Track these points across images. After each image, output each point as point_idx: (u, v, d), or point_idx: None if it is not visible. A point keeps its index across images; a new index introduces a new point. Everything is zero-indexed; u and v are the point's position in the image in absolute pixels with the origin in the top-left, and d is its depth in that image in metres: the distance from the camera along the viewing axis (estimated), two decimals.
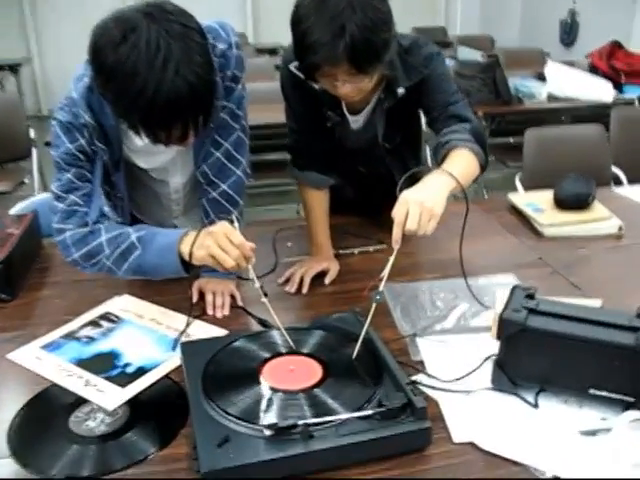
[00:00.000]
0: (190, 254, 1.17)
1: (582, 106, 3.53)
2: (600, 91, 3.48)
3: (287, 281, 1.50)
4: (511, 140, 3.80)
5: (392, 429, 0.96)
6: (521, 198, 1.89)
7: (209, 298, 1.40)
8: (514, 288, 1.14)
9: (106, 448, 1.01)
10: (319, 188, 1.60)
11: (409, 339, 1.25)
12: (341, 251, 1.64)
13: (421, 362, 1.19)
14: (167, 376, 1.17)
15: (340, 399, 1.02)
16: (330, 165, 1.60)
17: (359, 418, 0.97)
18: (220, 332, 1.30)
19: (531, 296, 1.12)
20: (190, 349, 1.18)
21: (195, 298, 1.41)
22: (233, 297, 1.42)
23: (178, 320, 1.33)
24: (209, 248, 1.14)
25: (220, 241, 1.13)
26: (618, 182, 2.45)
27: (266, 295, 1.15)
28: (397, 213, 1.16)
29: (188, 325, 1.29)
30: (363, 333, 1.11)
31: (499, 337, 1.07)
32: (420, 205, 1.15)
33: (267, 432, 0.94)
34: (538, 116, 3.64)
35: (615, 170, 2.39)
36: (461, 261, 1.36)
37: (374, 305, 1.12)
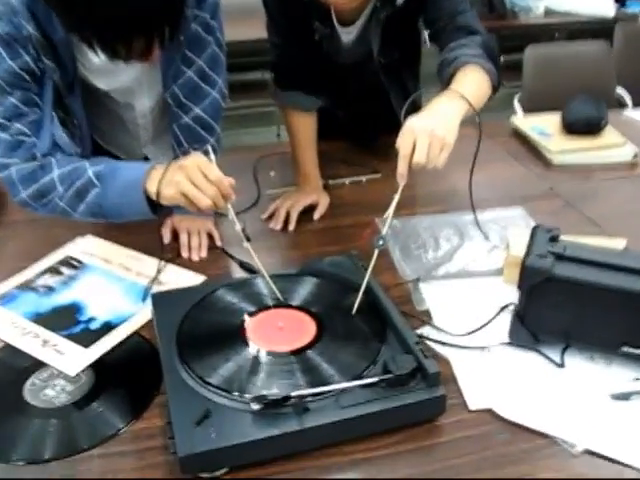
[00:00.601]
0: (158, 192, 0.97)
1: (582, 21, 3.28)
2: (601, 5, 3.23)
3: (271, 217, 1.33)
4: (505, 58, 3.53)
5: (401, 399, 0.81)
6: (525, 122, 1.70)
7: (183, 238, 1.22)
8: (536, 229, 0.98)
9: (69, 423, 0.85)
10: (305, 111, 1.40)
11: (412, 285, 1.10)
12: (331, 181, 1.46)
13: (427, 312, 1.04)
14: (137, 332, 1.01)
15: (338, 363, 0.87)
16: (318, 85, 1.39)
17: (362, 387, 0.83)
18: (197, 278, 1.13)
19: (555, 238, 0.96)
20: (162, 301, 1.01)
21: (167, 239, 1.24)
22: (211, 237, 1.25)
23: (150, 265, 1.15)
24: (180, 185, 0.94)
25: (193, 177, 0.94)
26: (622, 104, 2.27)
27: (249, 240, 0.97)
28: (402, 144, 0.97)
29: (159, 271, 1.12)
30: (364, 285, 0.95)
31: (520, 286, 0.92)
32: (429, 134, 0.96)
33: (254, 406, 0.79)
34: (530, 32, 3.40)
35: (619, 91, 2.20)
36: (471, 196, 1.19)
37: (376, 252, 0.95)
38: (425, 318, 1.02)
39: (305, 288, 1.02)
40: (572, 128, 1.58)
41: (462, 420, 0.85)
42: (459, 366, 0.92)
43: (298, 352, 0.89)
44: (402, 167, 0.97)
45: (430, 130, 0.96)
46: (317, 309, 0.97)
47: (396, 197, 0.97)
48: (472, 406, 0.86)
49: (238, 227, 0.96)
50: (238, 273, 1.16)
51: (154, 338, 0.97)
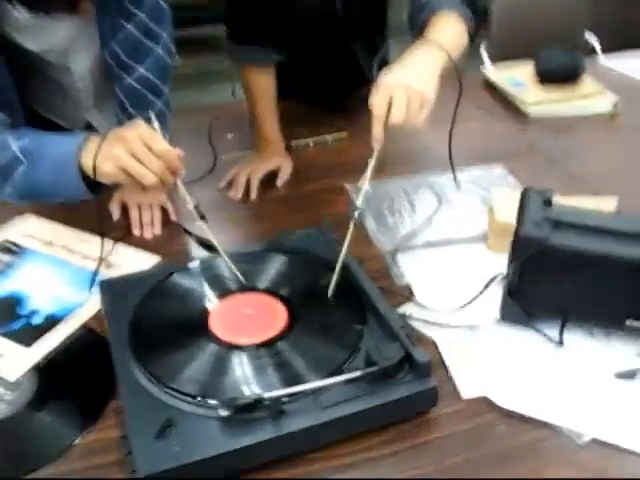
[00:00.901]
0: (94, 168, 0.82)
1: None
2: None
3: (230, 185, 1.21)
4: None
5: (388, 394, 0.71)
6: (497, 72, 1.59)
7: (134, 214, 1.09)
8: (526, 192, 0.88)
9: (9, 439, 0.73)
10: (263, 67, 1.25)
11: (389, 257, 0.99)
12: (293, 143, 1.33)
13: (407, 287, 0.94)
14: (86, 325, 0.89)
15: (315, 356, 0.76)
16: (274, 37, 1.25)
17: (343, 382, 0.72)
18: (151, 259, 1.00)
19: (548, 202, 0.86)
20: (111, 289, 0.88)
21: (116, 215, 1.10)
22: (165, 210, 1.12)
23: (97, 246, 1.02)
24: (119, 159, 0.80)
25: (135, 149, 0.80)
26: (591, 51, 2.16)
27: (203, 218, 0.85)
28: (377, 102, 0.85)
29: (102, 259, 0.98)
30: (340, 264, 0.84)
31: (512, 259, 0.83)
32: (407, 89, 0.84)
33: (223, 412, 0.68)
34: None
35: (588, 37, 2.10)
36: (450, 155, 1.08)
37: (352, 226, 0.84)
38: (406, 294, 0.92)
39: (272, 268, 0.91)
40: (547, 77, 1.47)
41: (455, 412, 0.76)
42: (447, 348, 0.83)
43: (268, 344, 0.78)
44: (377, 129, 0.85)
45: (407, 85, 0.85)
46: (287, 292, 0.86)
47: (372, 163, 0.85)
48: (465, 394, 0.77)
49: (190, 205, 0.83)
50: (197, 251, 1.04)
51: (106, 331, 0.85)
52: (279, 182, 1.20)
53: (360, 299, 0.83)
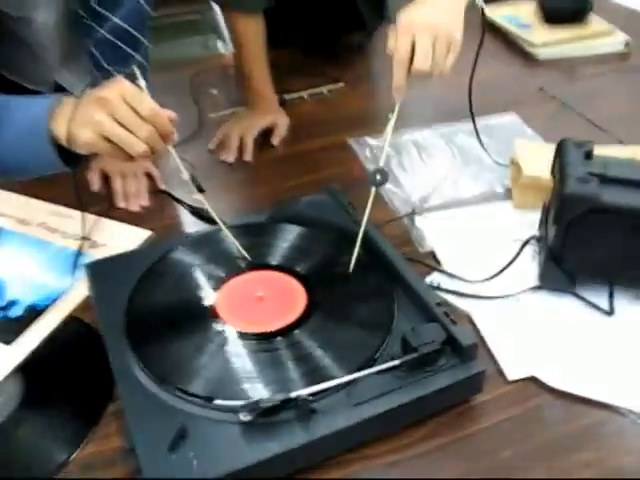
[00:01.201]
0: (69, 136, 0.68)
1: None
2: None
3: (220, 146, 1.08)
4: None
5: (430, 384, 0.61)
6: (497, 11, 1.46)
7: (117, 184, 0.96)
8: (563, 144, 0.77)
9: None
10: (252, 13, 1.11)
11: (407, 220, 0.89)
12: (286, 96, 1.20)
13: (431, 254, 0.84)
14: (73, 316, 0.77)
15: (342, 343, 0.66)
16: None
17: (378, 373, 0.63)
18: (141, 234, 0.88)
19: (589, 154, 0.76)
20: (99, 272, 0.77)
21: (96, 186, 0.97)
22: (151, 177, 1.00)
23: (78, 222, 0.90)
24: (100, 126, 0.65)
25: (118, 112, 0.65)
26: None
27: (201, 190, 0.73)
28: (398, 45, 0.73)
29: (86, 238, 0.85)
30: (361, 233, 0.73)
31: (557, 221, 0.72)
32: (432, 30, 0.72)
33: (244, 417, 0.58)
34: None
35: None
36: (470, 102, 0.96)
37: (373, 191, 0.73)
38: (431, 262, 0.82)
39: (282, 241, 0.79)
40: (553, 17, 1.35)
41: (501, 396, 0.66)
42: (485, 323, 0.73)
43: (287, 331, 0.67)
44: (399, 76, 0.73)
45: (432, 25, 0.72)
46: (303, 269, 0.75)
47: (393, 118, 0.73)
48: (511, 376, 0.68)
49: (186, 175, 0.71)
50: (192, 223, 0.93)
51: (97, 322, 0.74)
52: (275, 140, 1.08)
53: (386, 272, 0.73)
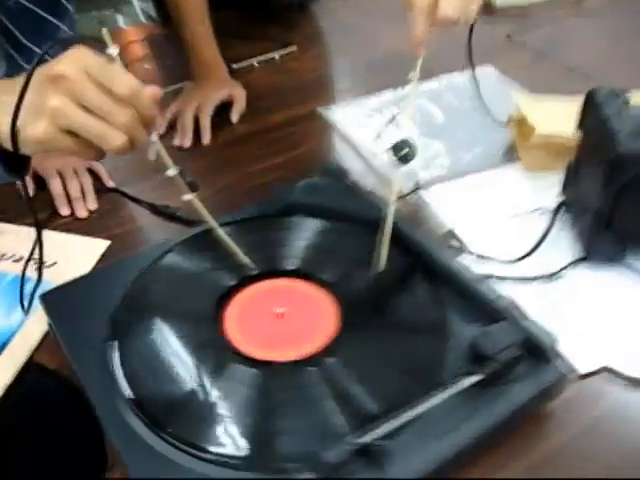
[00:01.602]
0: (15, 134, 0.48)
1: None
2: None
3: (171, 129, 0.90)
4: None
5: (512, 398, 0.49)
6: None
7: (56, 187, 0.77)
8: (594, 94, 0.66)
9: None
10: None
11: (415, 197, 0.76)
12: (235, 65, 1.03)
13: (451, 234, 0.71)
14: (32, 363, 0.60)
15: (396, 364, 0.52)
16: None
17: (452, 396, 0.50)
18: (97, 246, 0.71)
19: (626, 103, 0.65)
20: (61, 303, 0.58)
21: (31, 189, 0.78)
22: (94, 174, 0.82)
23: (17, 239, 0.70)
24: (59, 114, 0.47)
25: (83, 93, 0.47)
26: None
27: (195, 189, 0.56)
28: None
29: (30, 259, 0.64)
30: (389, 223, 0.59)
31: (607, 185, 0.62)
32: None
33: (310, 476, 0.44)
34: None
35: None
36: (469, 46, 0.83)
37: (398, 170, 0.59)
38: (454, 243, 0.69)
39: (292, 239, 0.63)
40: None
41: (578, 396, 0.55)
42: (537, 310, 0.62)
43: (328, 355, 0.52)
44: (421, 27, 0.58)
45: None
46: (324, 272, 0.59)
47: (415, 77, 0.59)
48: (583, 368, 0.57)
49: (173, 171, 0.54)
50: (157, 225, 0.75)
51: (65, 365, 0.57)
52: (235, 117, 0.91)
53: (425, 266, 0.59)
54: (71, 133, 0.47)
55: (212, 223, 0.58)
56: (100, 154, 0.49)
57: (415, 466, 0.45)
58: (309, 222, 0.64)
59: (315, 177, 0.70)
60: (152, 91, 0.49)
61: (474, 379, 0.49)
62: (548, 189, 0.75)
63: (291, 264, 0.60)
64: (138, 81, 0.48)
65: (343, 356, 0.52)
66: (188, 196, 0.55)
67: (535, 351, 0.51)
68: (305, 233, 0.63)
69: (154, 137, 0.51)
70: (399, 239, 0.60)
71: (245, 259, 0.59)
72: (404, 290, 0.58)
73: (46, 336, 0.60)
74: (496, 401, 0.49)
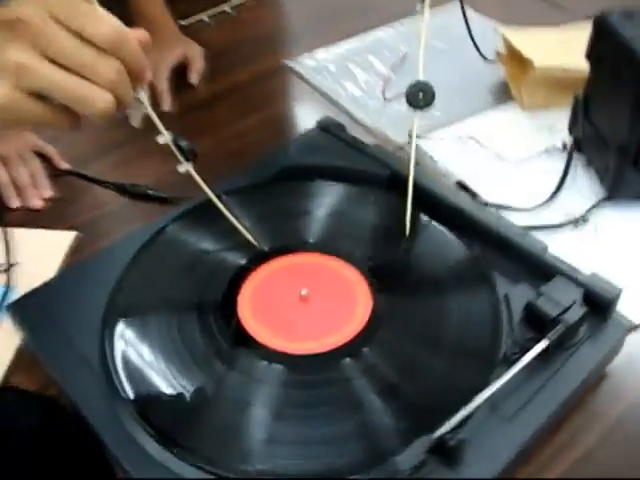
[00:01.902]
0: None
1: None
2: None
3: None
4: None
5: (581, 364, 0.43)
6: None
7: (2, 176, 0.65)
8: (606, 17, 0.59)
9: None
10: None
11: (426, 155, 0.67)
12: (183, 22, 0.91)
13: (461, 185, 0.64)
14: (8, 387, 0.49)
15: (443, 341, 0.45)
16: None
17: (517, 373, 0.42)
18: (62, 239, 0.59)
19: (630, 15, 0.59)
20: (34, 313, 0.48)
21: None
22: (44, 157, 0.70)
23: None
24: (24, 71, 0.35)
25: (52, 41, 0.35)
26: None
27: (192, 157, 0.46)
28: None
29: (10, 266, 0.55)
30: (411, 184, 0.50)
31: (637, 114, 0.55)
32: None
33: None
34: None
35: None
36: None
37: (416, 120, 0.50)
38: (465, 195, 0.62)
39: (292, 207, 0.54)
40: None
41: (636, 351, 0.50)
42: (571, 258, 0.56)
43: (354, 347, 0.44)
44: None
45: None
46: (346, 245, 0.51)
47: (426, 6, 0.51)
48: (637, 317, 0.52)
49: (167, 137, 0.45)
50: (126, 207, 0.65)
51: (47, 384, 0.47)
52: (194, 78, 0.80)
53: (454, 222, 0.52)
54: (38, 96, 0.36)
55: (213, 197, 0.48)
56: (76, 122, 0.38)
57: (498, 456, 0.39)
58: (314, 186, 0.55)
59: (312, 132, 0.61)
60: (139, 34, 0.38)
61: (540, 347, 0.42)
62: (550, 128, 0.69)
63: (306, 237, 0.51)
64: (121, 23, 0.37)
65: (381, 343, 0.44)
66: (184, 166, 0.45)
67: (598, 306, 0.45)
68: (312, 199, 0.54)
69: (142, 96, 0.41)
70: (423, 198, 0.52)
71: (250, 237, 0.50)
72: (440, 255, 0.50)
73: (20, 353, 0.50)
74: (567, 368, 0.43)
